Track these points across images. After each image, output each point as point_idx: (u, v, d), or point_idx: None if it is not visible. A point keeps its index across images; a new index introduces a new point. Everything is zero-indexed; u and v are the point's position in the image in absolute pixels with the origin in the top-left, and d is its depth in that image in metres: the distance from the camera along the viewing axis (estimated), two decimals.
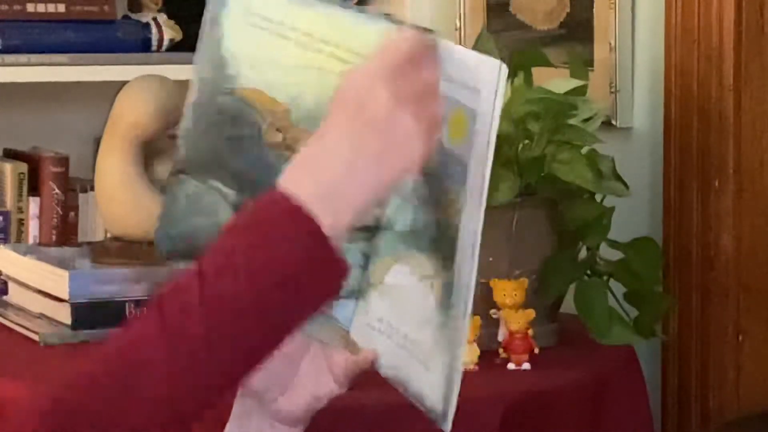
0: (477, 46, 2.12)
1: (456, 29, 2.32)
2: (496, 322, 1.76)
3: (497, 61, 1.16)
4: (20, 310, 1.93)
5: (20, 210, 2.31)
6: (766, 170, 1.87)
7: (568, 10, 2.13)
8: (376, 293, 1.32)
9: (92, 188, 2.17)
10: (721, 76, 1.76)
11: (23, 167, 2.33)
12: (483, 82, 1.19)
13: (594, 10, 2.07)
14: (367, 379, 1.34)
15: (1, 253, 2.06)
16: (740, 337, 1.86)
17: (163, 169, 1.99)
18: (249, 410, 1.33)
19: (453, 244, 1.22)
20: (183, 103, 1.95)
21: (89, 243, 2.16)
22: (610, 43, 2.04)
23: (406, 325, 1.29)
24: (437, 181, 1.24)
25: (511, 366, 1.72)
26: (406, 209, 1.28)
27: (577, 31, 2.11)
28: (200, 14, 2.43)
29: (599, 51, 2.07)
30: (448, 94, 1.22)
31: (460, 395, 1.30)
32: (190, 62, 2.30)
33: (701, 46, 1.87)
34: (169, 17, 2.38)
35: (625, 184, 1.80)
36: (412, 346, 1.29)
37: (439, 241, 1.25)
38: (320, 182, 1.15)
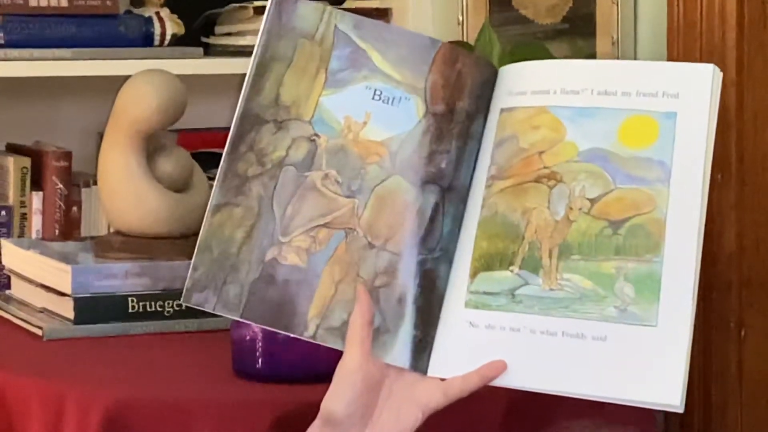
0: (479, 41, 2.13)
1: (458, 23, 2.33)
2: None
3: (710, 66, 1.33)
4: (23, 304, 1.94)
5: (23, 204, 2.32)
6: (760, 159, 1.89)
7: (570, 4, 2.14)
8: (537, 307, 1.33)
9: (95, 183, 2.18)
10: (724, 71, 1.75)
11: (26, 162, 2.33)
12: (683, 86, 1.32)
13: (596, 4, 2.09)
14: None
15: (4, 247, 2.07)
16: (743, 332, 1.88)
17: (165, 163, 1.99)
18: None
19: (657, 237, 1.30)
20: (185, 98, 1.96)
21: (92, 238, 2.16)
22: (612, 38, 2.06)
23: (570, 317, 1.31)
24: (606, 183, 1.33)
25: None
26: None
27: (579, 25, 2.13)
28: (202, 9, 2.45)
29: (602, 45, 2.08)
30: (613, 105, 1.33)
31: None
32: (192, 57, 2.34)
33: (703, 41, 1.89)
34: (172, 12, 2.38)
35: None
36: (578, 341, 1.30)
37: (633, 235, 1.31)
38: None
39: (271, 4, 1.39)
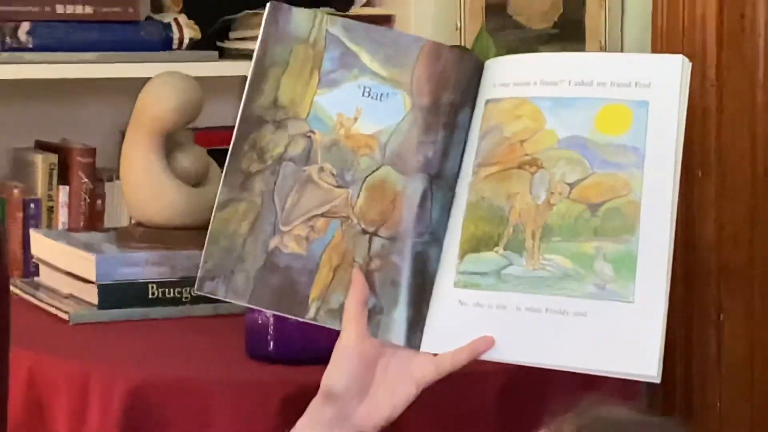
0: (476, 45, 2.12)
1: (456, 29, 2.31)
2: None
3: (679, 56, 1.32)
4: (51, 290, 1.94)
5: (51, 198, 2.32)
6: (746, 161, 1.88)
7: (561, 11, 2.13)
8: (520, 286, 1.33)
9: (118, 177, 2.18)
10: (705, 74, 1.77)
11: (53, 158, 2.33)
12: (655, 76, 1.33)
13: (585, 11, 2.08)
14: None
15: (33, 238, 2.07)
16: (721, 315, 1.86)
17: (183, 159, 1.99)
18: (334, 420, 1.33)
19: (632, 219, 1.30)
20: (201, 98, 1.97)
21: (115, 229, 2.16)
22: (600, 42, 2.04)
23: (552, 294, 1.31)
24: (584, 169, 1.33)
25: None
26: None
27: (569, 30, 2.11)
28: (217, 15, 2.45)
29: (590, 49, 2.07)
30: (590, 94, 1.33)
31: (461, 369, 1.34)
32: (208, 60, 2.35)
33: (686, 46, 1.88)
34: (189, 18, 2.38)
35: None
36: (560, 317, 1.31)
37: (610, 217, 1.31)
38: None
39: (267, 13, 1.40)
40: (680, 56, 1.34)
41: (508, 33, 2.21)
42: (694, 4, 1.87)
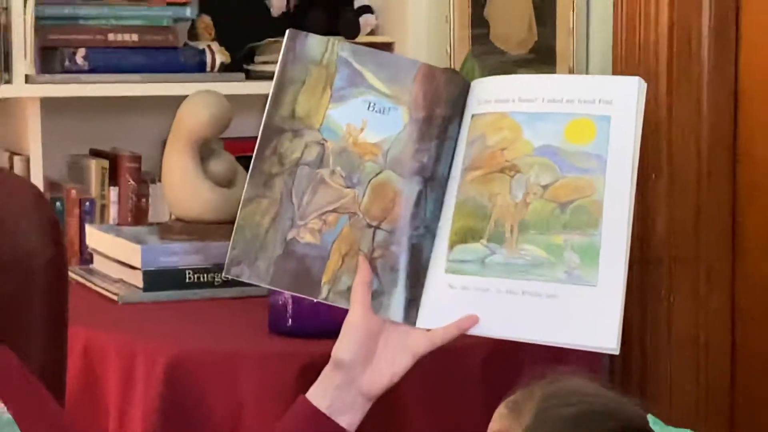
0: (463, 67, 2.13)
1: (447, 54, 2.32)
2: None
3: (636, 78, 1.33)
4: (103, 276, 1.94)
5: (103, 197, 2.33)
6: (692, 166, 1.88)
7: (535, 38, 2.12)
8: (501, 272, 1.33)
9: (159, 180, 2.19)
10: (657, 92, 1.77)
11: (105, 163, 2.35)
12: (615, 95, 1.32)
13: (556, 38, 2.06)
14: None
15: (88, 231, 2.08)
16: (671, 297, 1.86)
17: (215, 164, 2.00)
18: (342, 385, 1.32)
19: (597, 216, 1.29)
20: (230, 113, 1.97)
21: (157, 223, 2.17)
22: (569, 65, 2.03)
23: (528, 279, 1.31)
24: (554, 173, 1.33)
25: None
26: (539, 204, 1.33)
27: (542, 55, 2.10)
28: (244, 42, 2.45)
29: (560, 71, 2.06)
30: (560, 110, 1.33)
31: (450, 343, 1.34)
32: (236, 80, 2.35)
33: (641, 68, 1.87)
34: (220, 45, 2.38)
35: None
36: (535, 298, 1.30)
37: (577, 214, 1.30)
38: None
39: (287, 39, 1.39)
40: (637, 78, 1.34)
41: (490, 57, 2.20)
42: (648, 33, 1.86)
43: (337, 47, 1.40)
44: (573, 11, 2.02)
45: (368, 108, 1.38)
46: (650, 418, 0.96)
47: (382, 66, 1.40)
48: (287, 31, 1.41)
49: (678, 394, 1.85)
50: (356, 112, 1.38)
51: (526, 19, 2.13)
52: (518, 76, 1.44)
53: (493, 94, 1.39)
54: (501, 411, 1.02)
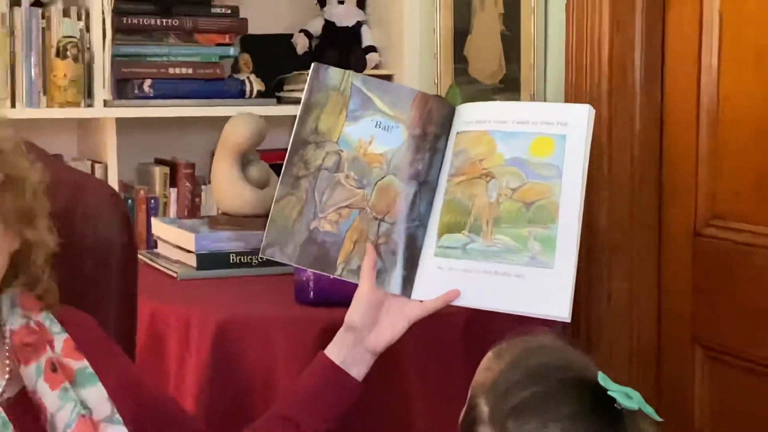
0: (448, 94, 2.12)
1: (435, 84, 2.32)
2: None
3: (586, 106, 1.33)
4: (165, 258, 1.93)
5: (164, 196, 2.34)
6: (627, 173, 1.89)
7: (504, 71, 2.12)
8: (479, 256, 1.32)
9: (209, 182, 2.19)
10: (600, 114, 1.76)
11: (166, 169, 2.35)
12: (570, 118, 1.32)
13: (521, 72, 2.06)
14: None
15: (153, 223, 2.07)
16: (611, 277, 1.88)
17: (252, 170, 1.98)
18: (352, 344, 1.32)
19: (554, 213, 1.29)
20: (265, 130, 1.97)
21: (207, 216, 2.16)
22: (530, 93, 2.04)
23: (500, 262, 1.30)
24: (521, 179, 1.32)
25: None
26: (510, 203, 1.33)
27: (510, 85, 2.09)
28: (276, 74, 2.45)
29: (524, 98, 2.05)
30: (526, 129, 1.33)
31: (437, 312, 1.34)
32: (269, 104, 2.35)
33: (587, 95, 1.88)
34: (257, 76, 2.38)
35: None
36: (505, 277, 1.29)
37: (539, 212, 1.30)
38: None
39: (312, 71, 1.39)
40: (588, 105, 1.33)
41: (469, 87, 2.19)
42: (593, 67, 1.87)
43: (352, 77, 1.40)
44: (533, 50, 2.01)
45: (375, 126, 1.38)
46: (600, 375, 0.94)
47: (386, 93, 1.39)
48: (312, 64, 1.41)
49: (616, 351, 1.86)
50: (366, 129, 1.37)
51: (497, 57, 2.12)
52: (494, 103, 1.44)
53: (474, 117, 1.38)
54: (489, 355, 1.02)
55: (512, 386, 0.94)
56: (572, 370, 0.96)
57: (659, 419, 0.93)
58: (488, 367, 1.00)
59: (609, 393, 0.92)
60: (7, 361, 1.09)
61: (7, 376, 1.08)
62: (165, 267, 1.87)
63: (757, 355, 1.68)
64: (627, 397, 0.92)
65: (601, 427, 0.91)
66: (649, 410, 0.92)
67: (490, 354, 1.02)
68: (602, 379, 0.93)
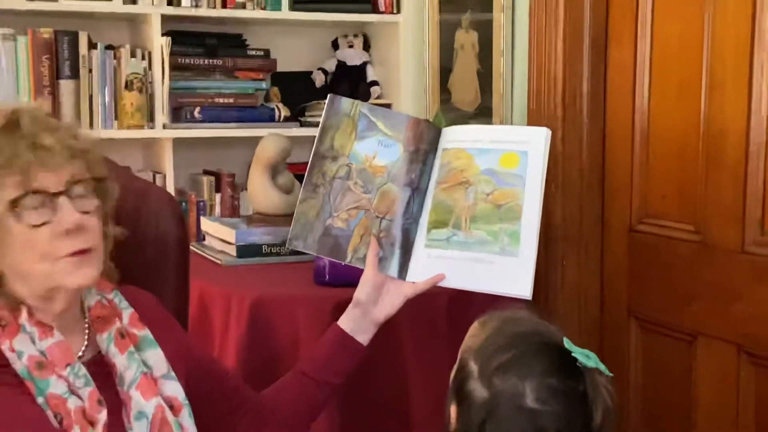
0: (435, 119, 2.12)
1: (425, 110, 2.30)
2: None
3: (545, 129, 1.33)
4: (211, 248, 1.92)
5: (211, 200, 2.32)
6: (576, 181, 1.88)
7: (480, 101, 2.10)
8: (459, 247, 1.31)
9: (245, 189, 2.16)
10: (555, 134, 1.76)
11: (212, 179, 2.33)
12: (531, 138, 1.32)
13: (492, 101, 2.05)
14: None
15: (202, 221, 2.05)
16: (564, 262, 1.88)
17: (280, 179, 1.97)
18: (359, 316, 1.31)
19: (519, 212, 1.29)
20: (290, 147, 1.97)
21: (245, 216, 2.16)
22: (500, 118, 2.03)
23: (476, 252, 1.30)
24: (493, 186, 1.32)
25: None
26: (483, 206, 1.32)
27: (484, 112, 2.08)
28: (299, 103, 2.45)
29: (495, 122, 2.04)
30: (497, 147, 1.32)
31: (426, 291, 1.34)
32: (294, 127, 2.36)
33: (545, 119, 1.87)
34: (284, 104, 2.36)
35: None
36: (480, 263, 1.29)
37: (507, 211, 1.30)
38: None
39: (328, 101, 1.39)
40: (545, 128, 1.33)
41: (452, 113, 2.18)
42: (549, 96, 1.86)
43: (360, 106, 1.40)
44: (502, 83, 2.00)
45: (378, 144, 1.38)
46: (565, 340, 0.95)
47: (386, 118, 1.39)
48: (329, 95, 1.41)
49: (567, 323, 1.85)
50: (371, 146, 1.37)
51: (473, 89, 2.12)
52: (471, 126, 1.44)
53: (455, 137, 1.38)
54: (475, 324, 1.02)
55: (496, 349, 0.94)
56: (543, 337, 0.96)
57: (610, 374, 0.93)
58: (475, 334, 0.99)
59: (572, 354, 0.92)
60: (86, 330, 1.09)
61: (86, 342, 1.08)
62: (211, 256, 1.86)
63: (679, 325, 1.68)
64: (586, 357, 0.92)
65: (566, 380, 0.92)
66: (602, 367, 0.92)
67: (476, 324, 1.01)
68: (567, 343, 0.94)
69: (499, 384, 0.91)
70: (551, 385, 0.91)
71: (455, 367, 0.98)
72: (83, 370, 1.02)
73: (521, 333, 0.96)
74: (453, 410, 0.96)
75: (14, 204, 0.97)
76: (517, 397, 0.90)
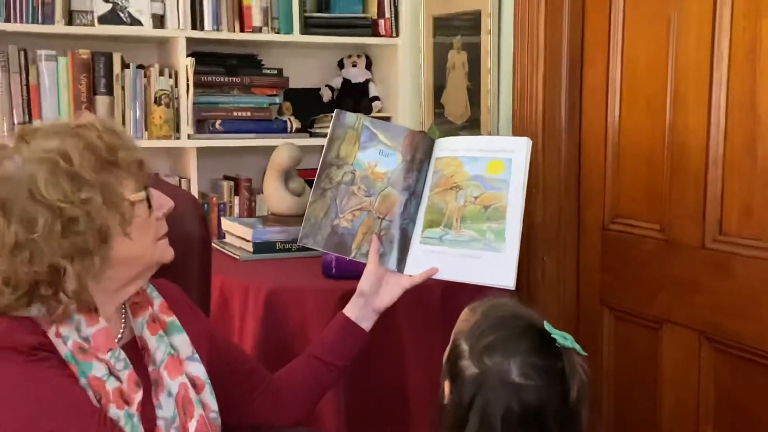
0: (430, 131, 2.12)
1: (420, 123, 2.30)
2: None
3: (526, 138, 1.32)
4: (231, 245, 1.93)
5: (230, 202, 2.31)
6: (555, 186, 1.87)
7: (469, 114, 2.10)
8: (451, 244, 1.31)
9: (261, 192, 2.16)
10: (536, 144, 1.77)
11: (231, 183, 2.33)
12: (514, 147, 1.32)
13: (481, 114, 2.05)
14: None
15: (223, 221, 2.04)
16: (545, 258, 1.87)
17: (292, 183, 1.97)
18: (362, 305, 1.31)
19: (504, 213, 1.28)
20: (300, 155, 1.97)
21: (260, 216, 2.16)
22: (488, 130, 2.03)
23: (466, 248, 1.30)
24: (480, 189, 1.32)
25: None
26: (472, 208, 1.33)
27: (473, 124, 2.08)
28: (308, 116, 2.45)
29: (483, 133, 2.04)
30: (484, 155, 1.32)
31: (421, 283, 1.34)
32: (304, 137, 2.35)
33: (528, 130, 1.87)
34: (295, 117, 2.36)
35: None
36: (469, 258, 1.29)
37: (493, 212, 1.30)
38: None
39: (334, 115, 1.39)
40: (527, 138, 1.33)
41: (444, 125, 2.18)
42: (531, 110, 1.86)
43: (362, 119, 1.40)
44: (489, 99, 2.01)
45: (379, 153, 1.38)
46: (545, 323, 0.96)
47: (386, 130, 1.39)
48: (335, 110, 1.41)
49: (547, 312, 1.85)
50: (373, 155, 1.38)
51: (463, 103, 2.12)
52: (462, 137, 1.44)
53: (447, 146, 1.38)
54: (466, 310, 1.03)
55: (484, 331, 0.95)
56: (526, 320, 0.97)
57: (584, 353, 0.95)
58: (466, 318, 1.00)
59: (552, 336, 0.93)
60: (123, 316, 1.10)
61: (123, 325, 1.09)
62: (231, 252, 1.86)
63: (646, 313, 1.69)
64: (564, 338, 0.93)
65: (547, 359, 0.93)
66: (578, 347, 0.94)
67: (466, 309, 1.03)
68: (547, 326, 0.95)
69: (488, 362, 0.92)
70: (534, 363, 0.92)
71: (448, 348, 0.99)
72: (123, 354, 1.02)
73: (507, 317, 0.97)
74: (446, 386, 0.97)
75: (146, 196, 1.02)
76: (503, 373, 0.91)
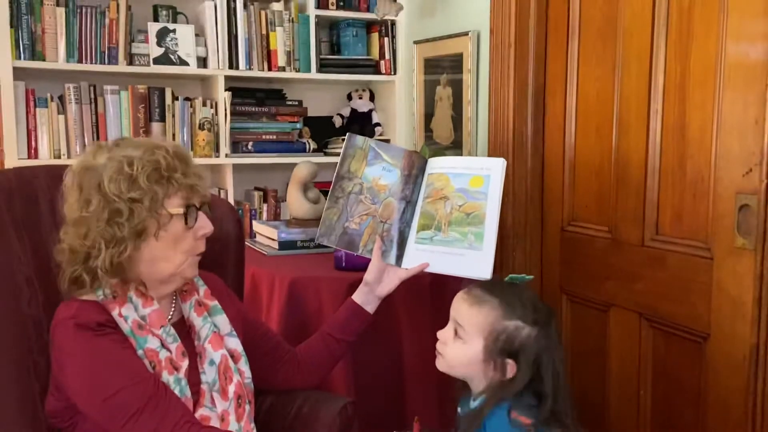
0: (422, 151, 2.10)
1: (414, 145, 2.30)
2: None
3: (501, 159, 1.30)
4: (260, 243, 1.91)
5: (260, 209, 2.31)
6: (522, 195, 1.87)
7: (453, 137, 2.10)
8: (440, 243, 1.30)
9: (285, 200, 2.16)
10: (509, 162, 1.76)
11: (261, 193, 2.32)
12: (492, 166, 1.30)
13: (462, 137, 2.05)
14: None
15: (254, 224, 2.02)
16: (515, 254, 1.87)
17: (310, 193, 1.96)
18: (367, 292, 1.30)
19: (483, 218, 1.27)
20: (317, 171, 1.96)
21: (284, 220, 2.12)
22: (469, 150, 2.03)
23: (452, 247, 1.29)
24: (464, 200, 1.30)
25: None
26: (457, 215, 1.31)
27: (456, 145, 2.08)
28: (323, 138, 2.44)
29: (465, 154, 2.04)
30: (467, 172, 1.31)
31: (416, 275, 1.32)
32: (319, 156, 2.33)
33: (502, 151, 1.87)
34: (312, 140, 2.35)
35: None
36: (454, 255, 1.28)
37: (473, 218, 1.28)
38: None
39: (346, 139, 1.38)
40: (502, 159, 1.31)
41: (433, 146, 2.18)
42: (504, 134, 1.86)
43: (369, 141, 1.39)
44: (470, 124, 2.00)
45: (382, 169, 1.37)
46: (509, 276, 1.07)
47: (388, 150, 1.39)
48: (347, 134, 1.40)
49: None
50: (377, 171, 1.37)
51: (448, 128, 2.11)
52: (448, 157, 1.42)
53: (437, 165, 1.37)
54: (460, 295, 1.15)
55: (518, 304, 1.10)
56: (523, 288, 1.15)
57: (530, 277, 1.13)
58: (484, 312, 1.10)
59: (511, 277, 1.10)
60: (173, 301, 1.10)
61: (173, 309, 1.09)
62: (260, 248, 1.85)
63: (597, 299, 1.68)
64: (521, 278, 1.08)
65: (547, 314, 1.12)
66: (524, 278, 1.12)
67: (461, 294, 1.11)
68: (509, 277, 1.08)
69: (539, 320, 1.06)
70: (550, 321, 1.10)
71: (488, 342, 1.07)
72: (172, 330, 1.03)
73: (515, 291, 1.11)
74: (511, 366, 1.06)
75: (184, 212, 1.01)
76: (548, 327, 1.07)
